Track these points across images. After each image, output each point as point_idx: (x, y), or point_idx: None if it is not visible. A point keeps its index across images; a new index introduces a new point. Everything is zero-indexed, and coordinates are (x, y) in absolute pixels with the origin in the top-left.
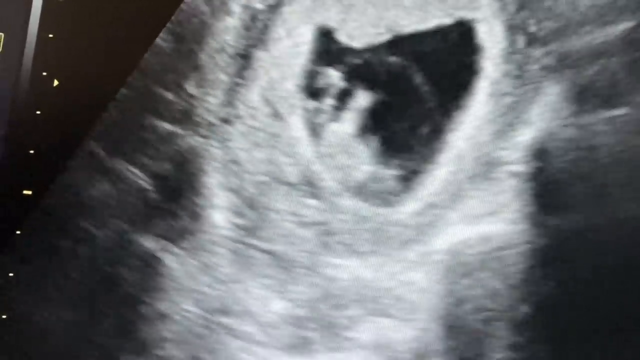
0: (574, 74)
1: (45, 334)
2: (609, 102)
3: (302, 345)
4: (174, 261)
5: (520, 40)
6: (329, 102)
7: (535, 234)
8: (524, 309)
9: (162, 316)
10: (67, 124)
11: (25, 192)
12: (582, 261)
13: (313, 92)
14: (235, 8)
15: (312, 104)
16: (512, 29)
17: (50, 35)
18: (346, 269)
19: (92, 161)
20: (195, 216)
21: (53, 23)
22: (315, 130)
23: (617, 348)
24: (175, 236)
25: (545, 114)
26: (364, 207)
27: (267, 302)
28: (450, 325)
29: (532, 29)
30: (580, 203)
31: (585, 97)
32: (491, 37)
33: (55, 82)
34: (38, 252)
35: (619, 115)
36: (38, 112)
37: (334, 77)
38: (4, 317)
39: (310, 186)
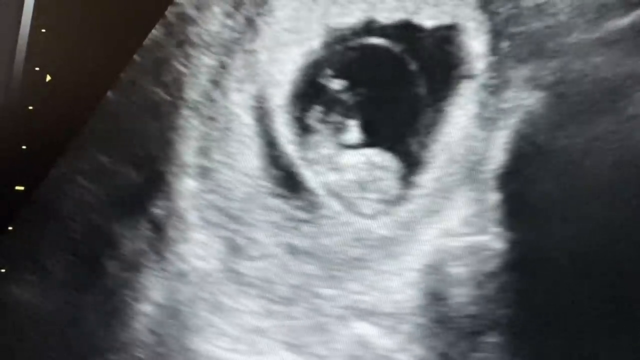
0: (558, 75)
1: (37, 328)
2: (594, 104)
3: (282, 349)
4: (157, 257)
5: (506, 41)
6: (317, 101)
7: (517, 239)
8: (507, 314)
9: (144, 310)
10: (60, 120)
11: (17, 187)
12: (563, 266)
13: (301, 89)
14: (226, 3)
15: (300, 102)
16: (498, 29)
17: (43, 30)
18: (329, 273)
19: (83, 157)
20: (179, 213)
21: (46, 18)
22: (303, 130)
23: (596, 352)
24: (160, 232)
25: (529, 116)
26: (348, 211)
27: (247, 301)
28: (433, 330)
29: (517, 31)
30: (563, 206)
31: (570, 99)
32: (476, 38)
33: (48, 78)
34: (30, 248)
35: (604, 118)
36: (30, 108)
37: (324, 76)
38: None
39: (294, 188)
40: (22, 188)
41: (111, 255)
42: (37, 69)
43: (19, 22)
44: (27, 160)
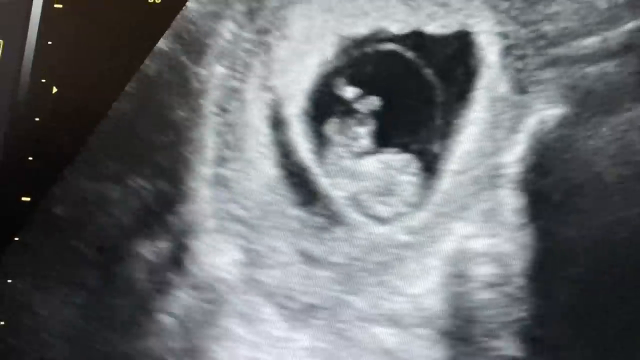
0: (572, 79)
1: (43, 340)
2: (607, 107)
3: (304, 356)
4: (176, 268)
5: (518, 45)
6: (333, 109)
7: (536, 241)
8: (527, 316)
9: (162, 320)
10: (66, 131)
11: (23, 198)
12: (582, 267)
13: (317, 98)
14: (238, 13)
15: (316, 111)
16: (511, 33)
17: (50, 42)
18: (349, 280)
19: (93, 168)
20: (194, 224)
21: (52, 30)
22: (320, 139)
23: (618, 352)
24: (175, 243)
25: (543, 118)
26: (367, 218)
27: (268, 309)
28: (454, 333)
29: (531, 35)
30: (580, 208)
31: (583, 103)
32: (489, 42)
33: (54, 89)
34: (36, 258)
35: (618, 121)
36: (37, 119)
37: (339, 84)
38: (2, 323)
39: (313, 198)
40: (28, 199)
41: (124, 266)
42: (43, 80)
43: (26, 34)
44: (33, 171)
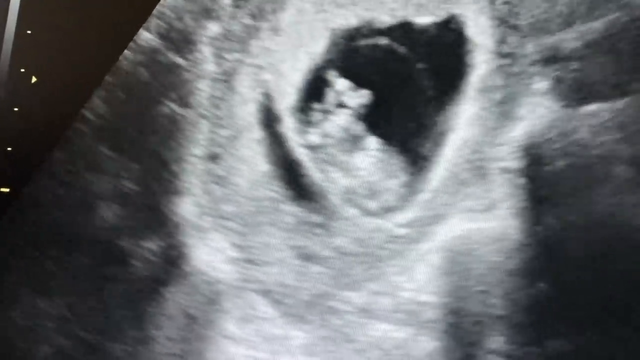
0: (563, 68)
1: (23, 332)
2: (598, 95)
3: (301, 353)
4: (166, 267)
5: (509, 35)
6: (325, 103)
7: (529, 229)
8: (521, 304)
9: (157, 321)
10: (45, 121)
11: (2, 189)
12: (576, 255)
13: (309, 93)
14: (226, 7)
15: (308, 105)
16: (501, 23)
17: (29, 32)
18: (345, 275)
19: (82, 163)
20: (187, 222)
21: (31, 19)
22: (311, 134)
23: (610, 340)
24: (168, 242)
25: (535, 109)
26: (361, 212)
27: (264, 307)
28: (450, 324)
29: (521, 23)
30: (572, 197)
31: (574, 91)
32: (480, 33)
33: (34, 79)
34: (15, 250)
35: (607, 109)
36: (16, 109)
37: (330, 78)
38: None
39: (306, 192)
40: (7, 190)
41: (114, 266)
42: (22, 70)
43: (4, 23)
44: (12, 161)
